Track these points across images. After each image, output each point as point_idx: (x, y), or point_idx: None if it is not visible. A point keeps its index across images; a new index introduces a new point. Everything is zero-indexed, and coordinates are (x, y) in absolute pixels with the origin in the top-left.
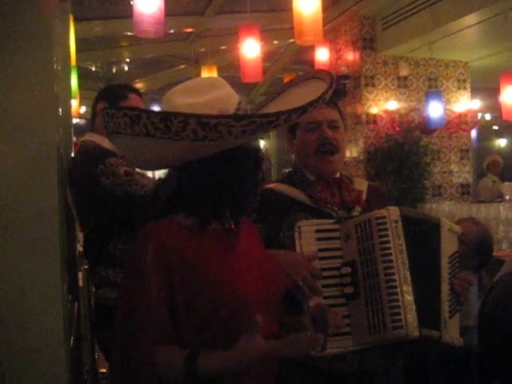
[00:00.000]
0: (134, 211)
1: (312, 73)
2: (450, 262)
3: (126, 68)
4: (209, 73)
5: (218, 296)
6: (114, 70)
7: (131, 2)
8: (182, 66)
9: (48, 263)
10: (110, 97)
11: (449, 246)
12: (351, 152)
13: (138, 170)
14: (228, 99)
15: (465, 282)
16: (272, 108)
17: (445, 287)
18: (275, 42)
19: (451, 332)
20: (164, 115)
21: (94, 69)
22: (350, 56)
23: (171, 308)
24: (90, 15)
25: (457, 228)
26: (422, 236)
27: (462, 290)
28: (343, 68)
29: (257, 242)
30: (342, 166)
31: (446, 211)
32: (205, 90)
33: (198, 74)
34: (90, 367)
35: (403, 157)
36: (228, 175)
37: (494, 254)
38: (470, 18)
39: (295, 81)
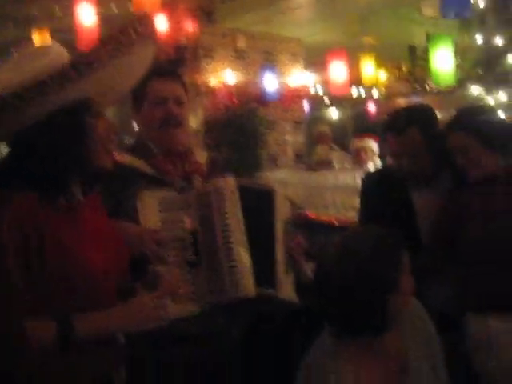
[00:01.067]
0: None
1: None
2: (284, 227)
3: None
4: (40, 37)
5: (65, 269)
6: None
7: None
8: (11, 28)
9: None
10: None
11: (283, 211)
12: (190, 123)
13: None
14: (49, 68)
15: (298, 245)
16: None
17: (279, 250)
18: (112, 7)
19: (286, 290)
20: None
21: None
22: (189, 26)
23: (29, 285)
24: None
25: (289, 195)
26: (258, 204)
27: (295, 253)
28: (182, 39)
29: (103, 216)
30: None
31: (280, 178)
32: (27, 62)
33: (29, 38)
34: None
35: (240, 127)
36: (45, 146)
37: (322, 218)
38: None
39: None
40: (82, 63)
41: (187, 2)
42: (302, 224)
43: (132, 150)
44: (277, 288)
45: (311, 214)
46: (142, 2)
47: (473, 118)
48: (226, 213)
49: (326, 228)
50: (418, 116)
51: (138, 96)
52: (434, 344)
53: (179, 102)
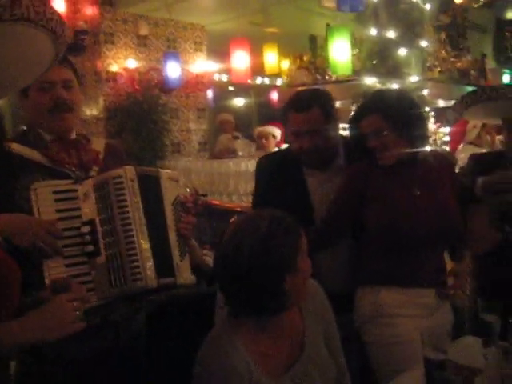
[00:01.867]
0: None
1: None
2: (173, 209)
3: None
4: None
5: None
6: None
7: None
8: None
9: None
10: None
11: (170, 193)
12: (91, 110)
13: None
14: None
15: (188, 224)
16: None
17: (172, 234)
18: None
19: (184, 274)
20: None
21: None
22: (89, 10)
23: None
24: None
25: (175, 175)
26: (149, 190)
27: (186, 233)
28: (81, 23)
29: None
30: (79, 126)
31: (184, 167)
32: None
33: None
34: None
35: (143, 115)
36: None
37: (226, 205)
38: None
39: None
40: None
41: None
42: (206, 212)
43: (22, 139)
44: (175, 275)
45: (215, 201)
46: None
47: (387, 101)
48: (125, 202)
49: (231, 215)
50: (320, 97)
51: None
52: (330, 322)
53: (68, 87)
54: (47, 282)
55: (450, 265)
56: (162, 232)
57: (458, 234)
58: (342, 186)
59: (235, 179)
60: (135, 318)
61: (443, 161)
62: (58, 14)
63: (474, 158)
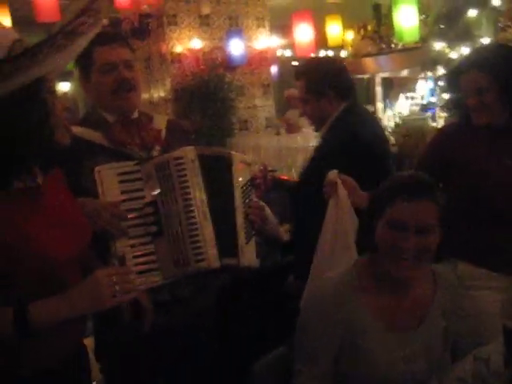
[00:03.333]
0: None
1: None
2: (243, 192)
3: None
4: None
5: (22, 257)
6: None
7: None
8: None
9: None
10: None
11: (241, 177)
12: (159, 91)
13: None
14: None
15: (257, 209)
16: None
17: (240, 217)
18: None
19: (248, 257)
20: None
21: None
22: None
23: None
24: None
25: (248, 159)
26: (217, 171)
27: (255, 218)
28: (145, 6)
29: (65, 194)
30: (148, 107)
31: (252, 144)
32: None
33: None
34: None
35: (209, 94)
36: (5, 126)
37: (295, 179)
38: None
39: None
40: (49, 43)
41: None
42: (276, 186)
43: (85, 122)
44: (239, 257)
45: (283, 176)
46: None
47: (493, 57)
48: (187, 183)
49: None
50: (308, 70)
51: (85, 65)
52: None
53: (129, 66)
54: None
55: None
56: (228, 213)
57: None
58: (425, 149)
59: (303, 154)
60: (203, 294)
61: None
62: None
63: None
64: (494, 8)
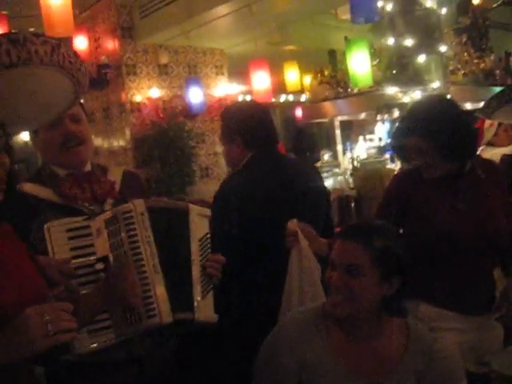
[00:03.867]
0: None
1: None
2: (200, 245)
3: None
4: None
5: None
6: None
7: None
8: None
9: None
10: None
11: (199, 229)
12: (118, 141)
13: None
14: None
15: (216, 262)
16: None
17: (196, 270)
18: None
19: (205, 312)
20: None
21: None
22: (110, 44)
23: None
24: None
25: (206, 211)
26: (172, 224)
27: (213, 271)
28: (103, 57)
29: (16, 245)
30: (107, 157)
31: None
32: None
33: None
34: None
35: (169, 143)
36: None
37: None
38: (221, 9)
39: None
40: None
41: (106, 20)
42: None
43: (37, 177)
44: (194, 311)
45: None
46: (55, 26)
47: (425, 120)
48: (136, 237)
49: None
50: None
51: None
52: None
53: (76, 120)
54: None
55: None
56: (183, 267)
57: (504, 243)
58: (383, 194)
59: None
60: (161, 350)
61: (490, 169)
62: (86, 67)
63: (507, 161)
64: (443, 53)
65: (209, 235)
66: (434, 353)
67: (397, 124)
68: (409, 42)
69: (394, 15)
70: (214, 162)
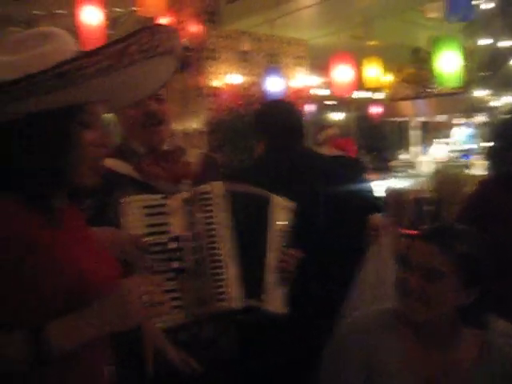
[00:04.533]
0: None
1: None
2: (278, 236)
3: None
4: None
5: (54, 274)
6: None
7: None
8: (13, 29)
9: None
10: None
11: (278, 220)
12: (194, 124)
13: None
14: (47, 58)
15: (292, 257)
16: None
17: (271, 260)
18: (117, 9)
19: (275, 302)
20: None
21: None
22: (194, 28)
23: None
24: None
25: (288, 204)
26: (251, 210)
27: (287, 265)
28: (185, 40)
29: (82, 224)
30: (182, 138)
31: None
32: (22, 46)
33: None
34: None
35: (244, 129)
36: (20, 153)
37: None
38: None
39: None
40: (88, 65)
41: (191, 4)
42: None
43: (117, 152)
44: (264, 299)
45: None
46: (147, 4)
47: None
48: (212, 219)
49: None
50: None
51: None
52: None
53: (158, 99)
54: None
55: None
56: (259, 254)
57: None
58: (465, 201)
59: None
60: (225, 335)
61: None
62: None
63: None
64: None
65: (288, 228)
66: None
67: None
68: (505, 43)
69: (492, 15)
70: None
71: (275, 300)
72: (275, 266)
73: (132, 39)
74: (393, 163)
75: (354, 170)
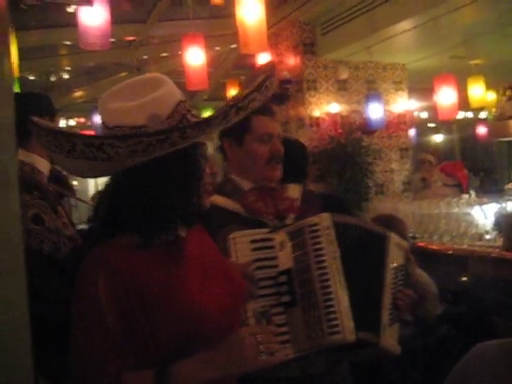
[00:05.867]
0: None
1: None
2: (394, 274)
3: (66, 76)
4: None
5: (173, 318)
6: (53, 79)
7: (69, 10)
8: (124, 74)
9: None
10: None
11: (395, 259)
12: None
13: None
14: (163, 100)
15: (408, 297)
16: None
17: (387, 296)
18: (217, 48)
19: (389, 339)
20: (53, 133)
21: (32, 78)
22: (292, 61)
23: (130, 335)
24: (28, 24)
25: (405, 244)
26: (364, 244)
27: (403, 305)
28: (285, 73)
29: (211, 245)
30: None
31: (390, 208)
32: (139, 92)
33: None
34: None
35: (346, 157)
36: (155, 187)
37: (432, 247)
38: (405, 24)
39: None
40: (222, 118)
41: (289, 37)
42: (415, 254)
43: (220, 190)
44: (379, 334)
45: (421, 243)
46: (249, 43)
47: None
48: (321, 251)
49: (439, 257)
50: None
51: (240, 131)
52: None
53: (280, 139)
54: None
55: None
56: (375, 288)
57: None
58: None
59: (446, 220)
60: (337, 370)
61: None
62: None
63: None
64: None
65: (403, 268)
66: None
67: None
68: None
69: None
70: (389, 179)
71: (390, 337)
72: (390, 303)
73: (249, 97)
74: (510, 185)
75: None
